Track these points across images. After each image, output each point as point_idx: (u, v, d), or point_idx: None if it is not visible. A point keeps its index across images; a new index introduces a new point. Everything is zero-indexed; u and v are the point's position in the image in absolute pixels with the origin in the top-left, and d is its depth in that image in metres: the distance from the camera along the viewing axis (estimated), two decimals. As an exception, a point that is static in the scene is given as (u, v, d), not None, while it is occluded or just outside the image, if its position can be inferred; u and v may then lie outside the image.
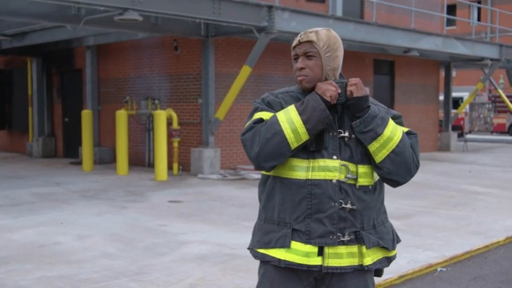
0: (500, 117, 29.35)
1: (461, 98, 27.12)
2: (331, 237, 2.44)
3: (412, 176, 2.51)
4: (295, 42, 2.53)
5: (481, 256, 6.48)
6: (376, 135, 2.42)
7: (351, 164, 2.46)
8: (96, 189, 10.87)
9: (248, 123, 2.53)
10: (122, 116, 13.01)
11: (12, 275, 5.49)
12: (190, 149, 13.07)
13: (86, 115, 13.91)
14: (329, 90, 2.43)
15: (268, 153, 2.43)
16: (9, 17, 10.52)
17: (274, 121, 2.44)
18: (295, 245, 2.47)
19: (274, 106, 2.54)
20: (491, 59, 18.81)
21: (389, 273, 5.59)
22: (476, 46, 18.01)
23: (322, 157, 2.45)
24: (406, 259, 6.08)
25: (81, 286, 5.17)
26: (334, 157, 2.45)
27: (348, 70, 16.42)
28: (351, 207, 2.44)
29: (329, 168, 2.43)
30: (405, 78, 18.72)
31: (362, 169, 2.47)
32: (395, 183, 2.52)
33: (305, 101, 2.45)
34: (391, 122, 2.48)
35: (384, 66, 18.12)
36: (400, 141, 2.46)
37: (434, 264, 5.95)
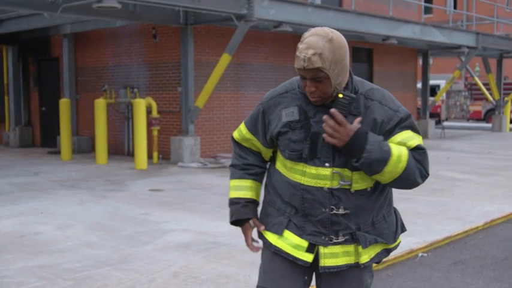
0: (476, 104, 29.65)
1: (438, 86, 27.33)
2: (323, 237, 2.47)
3: (420, 184, 2.47)
4: (298, 65, 2.34)
5: (460, 241, 6.57)
6: (376, 173, 2.37)
7: (345, 170, 2.42)
8: (75, 178, 10.79)
9: (236, 136, 2.74)
10: (100, 105, 12.90)
11: (-6, 266, 5.44)
12: (170, 138, 13.02)
13: (64, 104, 13.78)
14: (247, 242, 2.66)
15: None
16: (-15, 4, 10.35)
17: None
18: (287, 234, 2.53)
19: (269, 113, 2.57)
20: (468, 47, 18.98)
21: (372, 259, 5.64)
22: (453, 34, 18.15)
23: (314, 165, 2.43)
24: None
25: (64, 275, 5.14)
26: (327, 164, 2.41)
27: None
28: (344, 212, 2.44)
29: (320, 177, 2.42)
30: (383, 66, 18.82)
31: (357, 175, 2.43)
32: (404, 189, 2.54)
33: (230, 210, 2.71)
34: (393, 158, 2.35)
35: (362, 54, 18.19)
36: (404, 170, 2.38)
37: (415, 249, 6.02)
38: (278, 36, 15.01)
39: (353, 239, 2.47)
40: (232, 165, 2.74)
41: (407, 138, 2.43)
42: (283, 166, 2.55)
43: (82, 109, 15.67)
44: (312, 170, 2.43)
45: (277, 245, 2.55)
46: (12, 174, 11.34)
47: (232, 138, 2.76)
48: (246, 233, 2.66)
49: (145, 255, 5.76)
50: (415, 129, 2.48)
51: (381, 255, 2.58)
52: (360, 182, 2.44)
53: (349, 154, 2.36)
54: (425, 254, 6.02)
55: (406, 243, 6.22)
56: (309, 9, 13.13)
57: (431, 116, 22.73)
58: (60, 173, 11.43)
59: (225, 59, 11.93)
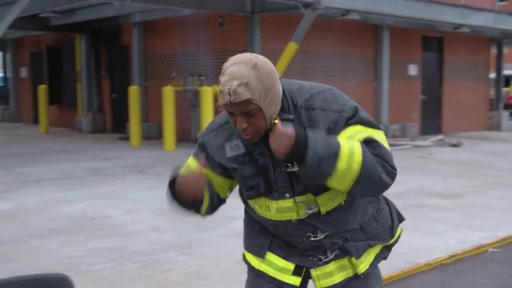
0: (553, 95, 28.45)
1: (512, 76, 26.37)
2: (310, 258, 2.26)
3: (390, 184, 2.09)
4: (224, 101, 2.01)
5: (534, 237, 6.33)
6: (329, 175, 2.00)
7: (309, 196, 2.15)
8: (144, 164, 11.01)
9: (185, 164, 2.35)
10: (168, 92, 13.10)
11: (65, 246, 5.63)
12: (236, 126, 13.07)
13: (133, 91, 14.07)
14: (183, 195, 2.16)
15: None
16: (59, -7, 10.65)
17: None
18: (270, 256, 2.31)
19: (208, 147, 2.26)
20: (545, 36, 18.22)
21: (440, 252, 5.53)
22: (529, 22, 17.45)
23: (274, 198, 2.17)
24: (457, 239, 6.00)
25: (132, 258, 5.26)
26: (287, 195, 2.15)
27: (395, 47, 16.19)
28: (323, 235, 2.21)
29: (283, 210, 2.18)
30: (454, 55, 18.28)
31: (324, 198, 2.15)
32: (373, 196, 2.26)
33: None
34: (344, 151, 1.99)
35: (432, 43, 17.72)
36: (362, 166, 2.00)
37: (485, 244, 5.84)
38: (345, 25, 14.81)
39: (344, 252, 2.25)
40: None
41: (354, 133, 2.08)
42: (250, 205, 2.32)
43: (151, 96, 15.96)
44: (273, 204, 2.18)
45: (261, 269, 2.32)
46: (84, 159, 11.69)
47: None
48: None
49: (211, 241, 5.82)
50: (365, 123, 2.12)
51: (382, 254, 2.36)
52: (329, 203, 2.17)
53: (291, 160, 2.04)
54: (496, 250, 5.83)
55: (475, 238, 6.06)
56: (378, -3, 12.89)
57: (505, 107, 21.96)
58: (129, 159, 11.69)
59: (291, 47, 11.87)
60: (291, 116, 2.07)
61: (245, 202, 2.35)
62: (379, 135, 2.12)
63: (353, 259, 2.25)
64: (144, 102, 15.90)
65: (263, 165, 2.15)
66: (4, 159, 11.70)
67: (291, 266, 2.27)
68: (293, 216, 2.18)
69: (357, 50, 15.57)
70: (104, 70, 17.71)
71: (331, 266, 2.25)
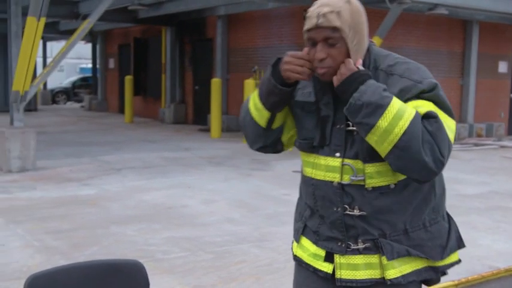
0: None
1: None
2: (339, 244, 2.07)
3: (434, 172, 1.89)
4: (309, 25, 1.97)
5: None
6: (369, 127, 1.89)
7: (358, 162, 2.01)
8: (222, 156, 11.14)
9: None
10: (250, 85, 13.17)
11: (143, 233, 5.77)
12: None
13: (216, 83, 14.25)
14: (289, 70, 2.00)
15: (248, 134, 2.21)
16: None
17: (247, 99, 2.20)
18: (304, 241, 2.19)
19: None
20: None
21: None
22: None
23: (324, 154, 2.07)
24: (542, 245, 5.72)
25: (206, 248, 5.33)
26: (337, 154, 2.04)
27: (486, 44, 15.60)
28: (359, 213, 2.03)
29: (329, 168, 2.05)
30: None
31: (372, 168, 2.00)
32: (415, 181, 1.97)
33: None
34: (390, 110, 1.88)
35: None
36: (405, 133, 1.86)
37: None
38: (432, 20, 14.40)
39: (376, 248, 2.03)
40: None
41: (418, 106, 1.93)
42: (302, 162, 2.20)
43: (232, 89, 16.11)
44: (321, 160, 2.07)
45: (297, 255, 2.22)
46: (166, 149, 11.95)
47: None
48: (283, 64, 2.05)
49: (284, 235, 5.81)
50: (440, 103, 1.97)
51: (423, 273, 2.06)
52: (376, 177, 2.00)
53: (341, 95, 1.95)
54: None
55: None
56: (467, -9, 12.45)
57: None
58: (208, 150, 11.86)
59: (376, 41, 11.64)
60: (368, 72, 1.96)
61: (301, 168, 2.24)
62: (448, 122, 1.96)
63: (383, 259, 2.01)
64: (225, 94, 16.07)
65: (324, 117, 2.07)
66: (89, 147, 12.15)
67: (322, 252, 2.11)
68: (336, 178, 2.03)
69: (444, 45, 15.11)
70: (188, 62, 18.03)
71: (358, 259, 2.04)
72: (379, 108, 1.87)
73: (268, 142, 2.19)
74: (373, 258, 2.03)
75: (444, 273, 2.13)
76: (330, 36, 1.94)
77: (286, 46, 14.26)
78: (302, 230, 2.18)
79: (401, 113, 1.87)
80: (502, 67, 16.37)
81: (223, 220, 6.38)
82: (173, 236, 5.72)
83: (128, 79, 18.32)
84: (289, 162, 10.43)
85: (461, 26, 15.32)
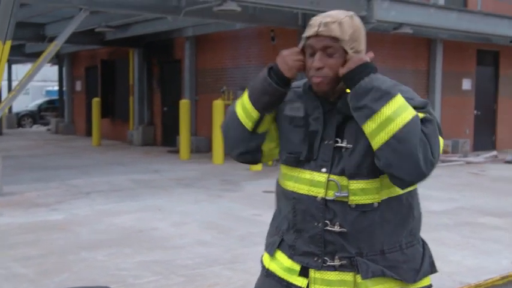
0: None
1: None
2: (315, 259, 2.07)
3: (424, 174, 1.91)
4: (310, 33, 2.02)
5: None
6: (372, 111, 1.90)
7: (343, 179, 2.02)
8: (192, 177, 11.10)
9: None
10: (218, 106, 13.19)
11: (114, 258, 5.70)
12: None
13: (184, 105, 14.23)
14: (284, 61, 2.06)
15: (231, 138, 2.21)
16: (114, 8, 10.91)
17: (232, 105, 2.22)
18: (279, 255, 2.18)
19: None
20: None
21: (491, 273, 5.36)
22: None
23: (310, 168, 2.08)
24: (509, 259, 5.82)
25: (178, 271, 5.28)
26: (323, 170, 2.05)
27: (449, 61, 15.91)
28: (339, 230, 2.02)
29: (314, 183, 2.06)
30: (510, 69, 17.85)
31: (356, 185, 2.01)
32: (399, 181, 1.95)
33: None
34: (397, 100, 1.91)
35: (487, 57, 17.34)
36: (406, 125, 1.88)
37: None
38: (397, 38, 14.65)
39: (352, 266, 2.03)
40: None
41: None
42: (280, 174, 2.23)
43: (201, 110, 16.11)
44: (306, 174, 2.07)
45: (270, 268, 2.20)
46: (134, 171, 11.86)
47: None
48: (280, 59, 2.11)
49: (256, 256, 5.75)
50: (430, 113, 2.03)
51: None
52: (359, 195, 2.01)
53: (348, 78, 1.96)
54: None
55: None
56: (431, 10, 12.73)
57: None
58: (178, 172, 11.81)
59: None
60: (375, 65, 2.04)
61: (277, 179, 2.26)
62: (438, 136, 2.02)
63: (358, 277, 2.02)
64: (194, 115, 16.06)
65: (313, 132, 2.09)
66: (57, 170, 11.99)
67: (297, 267, 2.11)
68: (320, 193, 2.04)
69: (409, 63, 15.37)
70: (156, 84, 17.99)
71: (333, 275, 2.05)
72: (387, 94, 1.91)
73: (249, 147, 2.19)
74: (348, 276, 2.03)
75: None
76: (329, 45, 1.99)
77: (254, 66, 14.36)
78: (278, 243, 2.18)
79: (406, 106, 1.92)
80: (466, 84, 16.70)
81: (194, 242, 6.34)
82: (144, 260, 5.66)
83: (96, 101, 18.20)
84: (259, 183, 10.45)
85: (426, 45, 15.61)
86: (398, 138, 1.88)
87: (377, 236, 2.04)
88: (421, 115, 1.96)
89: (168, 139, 17.36)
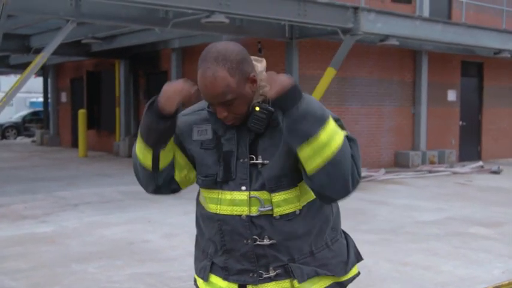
0: None
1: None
2: (250, 275, 2.10)
3: (349, 193, 1.99)
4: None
5: None
6: (308, 135, 1.91)
7: (264, 193, 2.05)
8: (181, 188, 11.04)
9: None
10: (206, 117, 13.17)
11: (105, 271, 5.65)
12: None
13: (171, 116, 14.17)
14: (166, 101, 2.03)
15: (139, 178, 2.23)
16: (102, 20, 10.87)
17: (134, 144, 2.20)
18: (214, 279, 2.18)
19: (182, 129, 2.18)
20: None
21: (483, 282, 5.38)
22: None
23: (229, 189, 2.08)
24: (501, 269, 5.84)
25: (171, 284, 5.25)
26: (243, 188, 2.06)
27: (434, 73, 16.05)
28: (269, 242, 2.06)
29: (236, 202, 2.07)
30: (495, 80, 18.04)
31: (279, 197, 2.05)
32: (327, 199, 2.03)
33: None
34: (330, 123, 1.95)
35: (472, 68, 17.52)
36: (340, 149, 1.94)
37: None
38: (384, 50, 14.76)
39: (287, 273, 2.08)
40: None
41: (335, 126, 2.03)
42: (201, 197, 2.23)
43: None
44: (227, 195, 2.08)
45: None
46: (122, 183, 11.78)
47: None
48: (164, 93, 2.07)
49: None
50: (343, 128, 2.08)
51: None
52: (283, 205, 2.06)
53: (281, 103, 1.92)
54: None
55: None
56: (416, 22, 12.83)
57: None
58: (166, 183, 11.73)
59: (330, 73, 11.85)
60: (271, 109, 2.02)
61: (198, 201, 2.28)
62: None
63: (295, 282, 2.08)
64: (181, 126, 16.00)
65: (227, 152, 2.09)
66: (43, 182, 11.89)
67: (234, 287, 2.13)
68: (244, 211, 2.06)
69: (395, 75, 15.48)
70: (143, 95, 17.94)
71: (271, 286, 2.09)
72: (322, 119, 1.93)
73: (159, 183, 2.21)
74: (285, 283, 2.08)
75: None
76: (222, 101, 1.99)
77: (242, 78, 14.35)
78: (210, 267, 2.18)
79: (336, 128, 1.97)
80: (451, 95, 16.85)
81: (186, 254, 6.29)
82: (136, 272, 5.62)
83: (82, 113, 18.09)
84: (248, 194, 10.43)
85: (412, 57, 15.74)
86: (333, 163, 1.93)
87: (305, 240, 2.09)
88: (344, 133, 2.01)
89: (154, 150, 17.27)
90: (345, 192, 1.98)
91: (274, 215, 2.06)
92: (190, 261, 5.91)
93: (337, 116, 2.09)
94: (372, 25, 11.82)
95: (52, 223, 7.91)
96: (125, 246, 6.64)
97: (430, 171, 14.11)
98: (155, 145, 2.10)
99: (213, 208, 2.13)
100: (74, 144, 20.59)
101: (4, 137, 28.56)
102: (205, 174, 2.14)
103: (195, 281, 2.30)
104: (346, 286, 2.21)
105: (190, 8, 9.91)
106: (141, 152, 2.14)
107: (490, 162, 16.54)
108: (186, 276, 5.46)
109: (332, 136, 1.94)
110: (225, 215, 2.10)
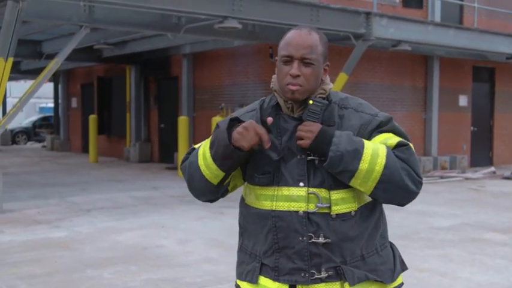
0: None
1: None
2: (302, 274, 2.08)
3: (416, 193, 2.07)
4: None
5: None
6: (352, 173, 2.01)
7: (322, 191, 2.07)
8: (192, 194, 11.02)
9: (185, 153, 2.30)
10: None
11: (121, 276, 5.64)
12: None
13: (183, 121, 14.20)
14: (243, 139, 2.04)
15: (196, 189, 2.22)
16: (115, 26, 10.90)
17: (195, 154, 2.20)
18: (263, 281, 2.15)
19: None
20: None
21: (502, 289, 5.33)
22: None
23: (287, 184, 2.09)
24: (519, 276, 5.79)
25: (187, 290, 5.23)
26: (301, 184, 2.08)
27: (446, 78, 15.99)
28: (324, 241, 2.06)
29: (293, 198, 2.07)
30: (507, 85, 17.95)
31: (337, 195, 2.08)
32: (399, 205, 2.15)
33: (217, 130, 2.11)
34: (367, 151, 2.02)
35: (483, 73, 17.45)
36: (385, 167, 2.01)
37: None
38: (395, 55, 14.73)
39: (338, 275, 2.08)
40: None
41: (386, 138, 2.10)
42: (251, 196, 2.19)
43: (198, 126, 16.08)
44: (284, 190, 2.09)
45: None
46: (134, 188, 11.80)
47: (193, 148, 2.30)
48: (238, 136, 2.07)
49: (265, 273, 5.74)
50: (398, 133, 2.14)
51: None
52: (340, 204, 2.08)
53: (316, 153, 2.05)
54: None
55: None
56: (429, 28, 12.80)
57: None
58: (178, 189, 11.75)
59: (342, 78, 11.84)
60: (325, 101, 2.10)
61: (244, 203, 2.24)
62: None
63: (346, 285, 2.07)
64: (192, 132, 16.02)
65: (284, 149, 2.12)
66: (55, 187, 11.92)
67: (285, 287, 2.11)
68: (301, 207, 2.07)
69: (407, 80, 15.44)
70: (153, 100, 17.96)
71: (321, 287, 2.09)
72: (357, 153, 2.01)
73: (217, 195, 2.24)
74: (335, 286, 2.08)
75: None
76: (307, 55, 2.08)
77: (253, 83, 14.37)
78: (259, 269, 2.15)
79: (376, 151, 2.02)
80: (463, 100, 16.78)
81: (201, 260, 6.28)
82: (152, 277, 5.61)
83: (92, 118, 18.13)
84: (260, 199, 10.41)
85: (423, 62, 15.70)
86: (383, 180, 2.02)
87: (357, 243, 2.11)
88: (394, 142, 2.08)
89: (165, 156, 17.31)
90: (410, 196, 2.08)
91: (331, 214, 2.07)
92: (205, 267, 5.94)
93: (389, 115, 2.16)
94: (385, 30, 11.81)
95: (65, 228, 7.91)
96: (139, 252, 6.63)
97: (441, 177, 14.04)
98: (229, 170, 2.13)
99: (267, 205, 2.12)
100: (84, 149, 20.65)
101: (14, 142, 28.67)
102: (262, 171, 2.13)
103: (237, 286, 2.27)
104: None
105: (204, 13, 9.93)
106: (210, 171, 2.13)
107: (501, 167, 16.44)
108: (202, 282, 5.45)
109: (373, 161, 2.02)
110: (281, 211, 2.09)
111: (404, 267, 2.28)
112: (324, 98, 2.15)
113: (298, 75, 2.07)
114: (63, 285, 5.35)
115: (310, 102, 2.09)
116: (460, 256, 6.59)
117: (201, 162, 2.15)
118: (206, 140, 2.20)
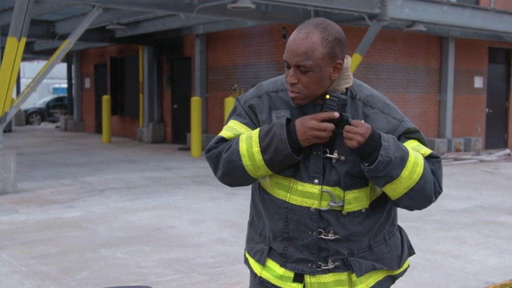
0: None
1: None
2: (309, 265, 2.10)
3: (433, 202, 2.10)
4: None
5: None
6: (392, 179, 1.99)
7: (337, 189, 2.05)
8: (205, 175, 11.04)
9: (212, 140, 2.18)
10: (230, 103, 13.14)
11: (133, 256, 5.66)
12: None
13: (195, 102, 14.18)
14: (313, 136, 1.99)
15: (232, 180, 2.16)
16: (128, 6, 10.85)
17: (236, 152, 2.08)
18: (271, 263, 2.17)
19: (257, 111, 2.14)
20: None
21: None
22: None
23: (302, 180, 2.06)
24: (533, 259, 5.74)
25: (199, 270, 5.24)
26: (316, 181, 2.05)
27: (461, 59, 15.82)
28: (334, 237, 2.07)
29: (307, 195, 2.05)
30: (522, 67, 17.74)
31: (351, 195, 2.07)
32: (410, 210, 2.14)
33: (271, 134, 2.01)
34: (411, 159, 2.00)
35: (499, 54, 17.23)
36: (421, 177, 2.01)
37: None
38: (410, 36, 14.57)
39: (345, 266, 2.10)
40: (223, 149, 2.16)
41: (417, 146, 2.09)
42: (266, 180, 2.16)
43: (211, 107, 16.06)
44: (299, 185, 2.06)
45: (262, 276, 2.18)
46: (146, 169, 11.83)
47: (222, 138, 2.17)
48: (306, 131, 2.01)
49: (277, 254, 5.74)
50: (423, 143, 2.14)
51: (384, 283, 2.18)
52: (353, 203, 2.07)
53: (363, 155, 1.97)
54: None
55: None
56: (444, 8, 12.62)
57: None
58: (190, 169, 11.76)
59: (355, 59, 11.74)
60: (343, 96, 2.02)
61: (258, 184, 2.20)
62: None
63: (353, 276, 2.10)
64: (205, 113, 16.01)
65: None
66: (69, 167, 11.97)
67: (290, 274, 2.12)
68: (314, 204, 2.05)
69: (421, 61, 15.29)
70: (166, 81, 17.95)
71: (328, 277, 2.10)
72: (403, 161, 1.98)
73: (251, 184, 2.20)
74: (343, 276, 2.10)
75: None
76: (302, 64, 1.97)
77: (265, 64, 14.30)
78: (268, 252, 2.17)
79: (417, 161, 2.01)
80: (478, 82, 16.60)
81: (213, 241, 6.29)
82: (164, 258, 5.62)
83: (106, 99, 18.16)
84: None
85: (438, 43, 15.53)
86: (416, 190, 2.02)
87: (366, 235, 2.12)
88: (427, 152, 2.08)
89: (178, 136, 17.33)
90: (428, 205, 2.10)
91: (343, 212, 2.07)
92: (218, 247, 5.95)
93: (416, 127, 2.14)
94: (399, 11, 11.66)
95: (79, 208, 7.95)
96: (152, 232, 6.65)
97: (456, 159, 13.95)
98: (278, 169, 2.08)
99: (281, 195, 2.11)
100: (98, 130, 20.72)
101: (28, 122, 28.83)
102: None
103: (246, 260, 2.29)
104: (397, 279, 2.25)
105: (216, -7, 9.85)
106: (254, 166, 2.06)
107: (517, 150, 16.30)
108: (215, 263, 5.46)
109: (413, 170, 2.00)
110: (294, 204, 2.08)
111: (411, 252, 2.29)
112: (343, 93, 2.08)
113: (294, 83, 2.01)
114: (77, 265, 5.38)
115: (327, 97, 2.02)
116: (474, 239, 6.55)
117: (246, 163, 2.07)
118: (244, 135, 2.10)
